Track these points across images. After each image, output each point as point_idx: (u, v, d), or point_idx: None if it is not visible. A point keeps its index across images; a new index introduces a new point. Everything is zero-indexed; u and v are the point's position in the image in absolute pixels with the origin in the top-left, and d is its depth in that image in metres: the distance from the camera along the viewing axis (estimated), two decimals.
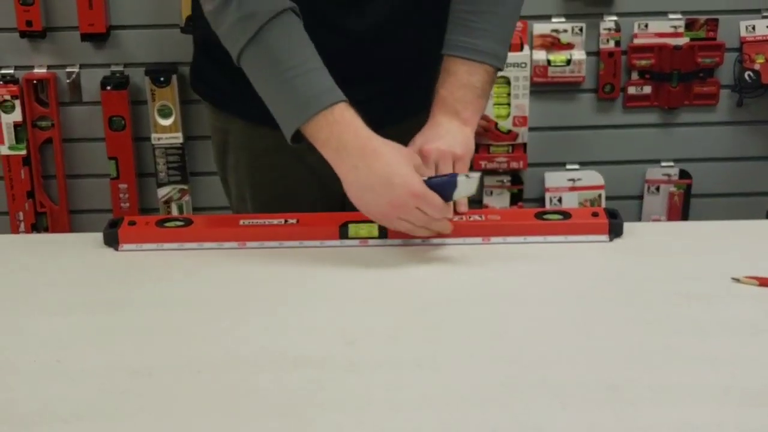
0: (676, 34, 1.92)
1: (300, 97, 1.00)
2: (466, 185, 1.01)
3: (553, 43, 1.92)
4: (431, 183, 1.01)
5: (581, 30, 1.91)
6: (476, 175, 1.02)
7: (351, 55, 1.13)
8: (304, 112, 1.00)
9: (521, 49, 1.88)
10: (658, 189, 2.01)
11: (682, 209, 2.02)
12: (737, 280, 0.95)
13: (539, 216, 1.07)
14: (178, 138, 1.91)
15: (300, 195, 1.20)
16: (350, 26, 1.11)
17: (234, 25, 1.01)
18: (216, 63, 1.18)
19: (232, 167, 1.25)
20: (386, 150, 1.01)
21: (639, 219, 2.01)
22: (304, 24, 1.06)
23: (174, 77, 1.87)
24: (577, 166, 1.99)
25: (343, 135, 1.00)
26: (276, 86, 1.02)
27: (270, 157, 1.20)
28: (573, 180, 1.98)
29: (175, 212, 1.94)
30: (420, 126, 1.11)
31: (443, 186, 1.01)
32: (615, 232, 1.06)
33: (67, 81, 1.90)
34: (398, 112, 1.18)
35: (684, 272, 0.99)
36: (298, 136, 1.02)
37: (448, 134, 1.08)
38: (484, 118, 1.87)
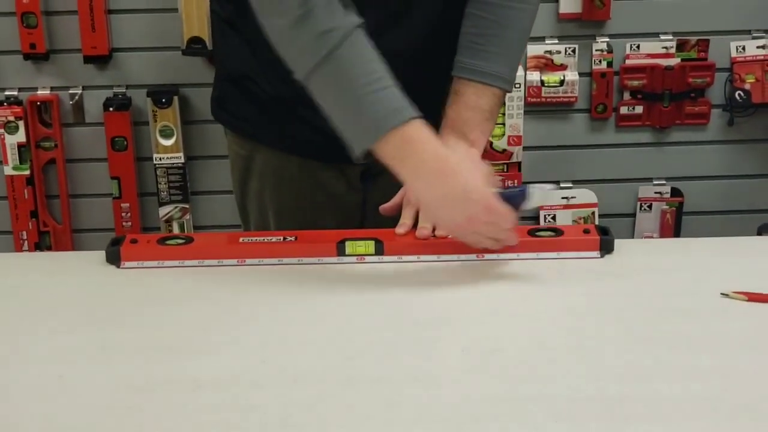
0: (667, 55, 1.95)
1: (375, 114, 0.99)
2: (540, 196, 1.03)
3: (547, 64, 1.94)
4: (503, 194, 1.02)
5: (574, 51, 1.94)
6: (549, 186, 1.04)
7: None
8: (380, 129, 0.98)
9: None
10: (650, 207, 2.03)
11: (674, 227, 2.03)
12: (726, 296, 0.96)
13: (532, 233, 1.09)
14: (179, 158, 1.93)
15: (321, 222, 1.21)
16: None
17: (309, 42, 0.98)
18: (243, 92, 1.19)
19: (254, 194, 1.25)
20: (463, 167, 1.02)
21: (632, 236, 2.03)
22: None
23: (175, 98, 1.90)
24: (570, 185, 2.01)
25: (421, 153, 0.99)
26: (350, 103, 1.00)
27: (295, 184, 1.21)
28: (567, 198, 2.00)
29: (176, 231, 1.95)
30: None
31: (514, 197, 1.02)
32: (606, 248, 1.07)
33: (70, 102, 1.93)
34: None
35: (674, 288, 1.00)
36: (367, 153, 1.01)
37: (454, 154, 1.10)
38: None
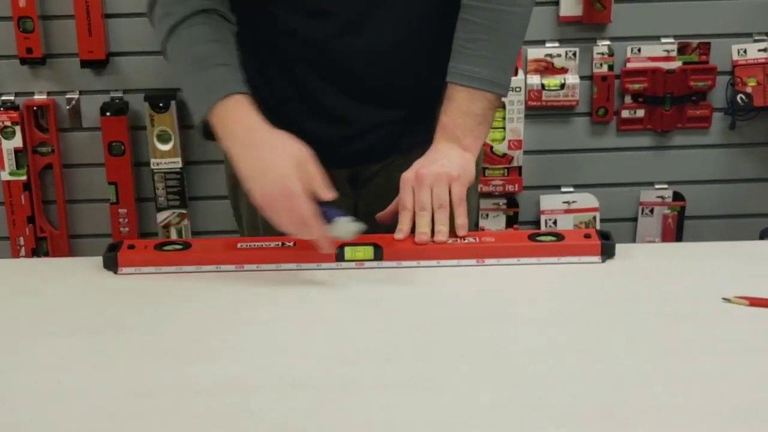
0: (668, 58, 1.95)
1: (204, 88, 1.07)
2: (343, 227, 1.01)
3: (547, 68, 1.94)
4: (321, 205, 1.00)
5: (575, 54, 1.93)
6: (359, 226, 1.02)
7: (350, 83, 1.15)
8: (207, 101, 1.05)
9: (516, 73, 1.90)
10: (652, 211, 2.02)
11: (676, 231, 2.03)
12: (728, 300, 0.96)
13: (532, 238, 1.08)
14: (177, 163, 1.92)
15: None
16: (347, 53, 1.13)
17: (157, 22, 1.10)
18: None
19: (245, 193, 1.26)
20: (270, 144, 1.03)
21: (634, 241, 2.02)
22: (301, 58, 1.08)
23: (173, 103, 1.89)
24: (571, 189, 2.00)
25: (233, 124, 1.05)
26: (187, 79, 1.09)
27: None
28: (568, 203, 1.99)
29: (174, 236, 1.95)
30: None
31: (325, 214, 1.01)
32: (607, 253, 1.07)
33: (67, 107, 1.92)
34: (405, 143, 1.19)
35: (675, 293, 0.99)
36: (210, 132, 1.07)
37: (445, 158, 1.10)
38: None
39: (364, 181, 1.24)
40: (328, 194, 1.01)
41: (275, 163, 1.01)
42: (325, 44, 1.12)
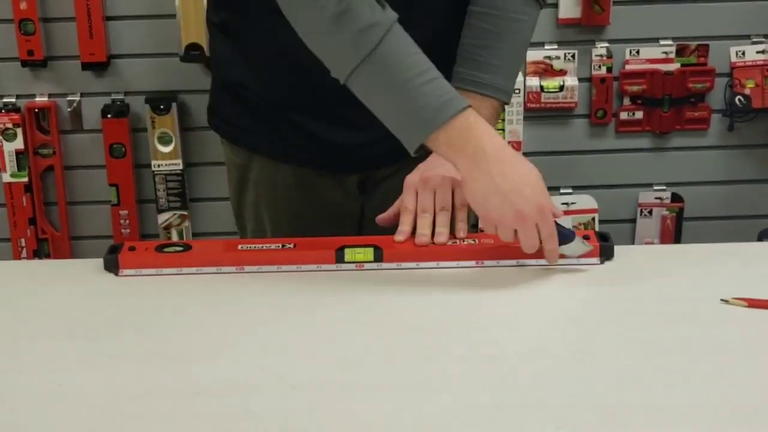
0: (667, 60, 1.95)
1: (428, 107, 0.97)
2: (576, 246, 1.04)
3: (546, 70, 1.95)
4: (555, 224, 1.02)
5: (573, 57, 1.94)
6: (588, 247, 1.04)
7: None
8: (435, 120, 0.97)
9: None
10: (650, 212, 2.03)
11: (674, 232, 2.03)
12: (726, 302, 0.96)
13: None
14: (177, 164, 1.93)
15: (319, 231, 1.21)
16: None
17: (350, 40, 0.96)
18: (237, 100, 1.19)
19: (251, 203, 1.25)
20: (522, 160, 1.01)
21: (632, 242, 2.03)
22: (316, 64, 1.08)
23: (174, 105, 1.90)
24: (570, 190, 2.01)
25: (481, 139, 0.98)
26: (400, 99, 0.99)
27: (291, 194, 1.21)
28: (567, 204, 2.00)
29: (175, 238, 1.95)
30: None
31: (561, 233, 1.02)
32: (606, 255, 1.07)
33: (68, 109, 1.93)
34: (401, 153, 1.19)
35: (674, 294, 1.00)
36: (421, 147, 1.00)
37: (449, 163, 1.10)
38: None
39: (373, 185, 1.24)
40: (559, 213, 1.02)
41: (530, 179, 0.99)
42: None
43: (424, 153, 1.02)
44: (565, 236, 1.03)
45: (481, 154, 0.98)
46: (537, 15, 1.14)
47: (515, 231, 1.00)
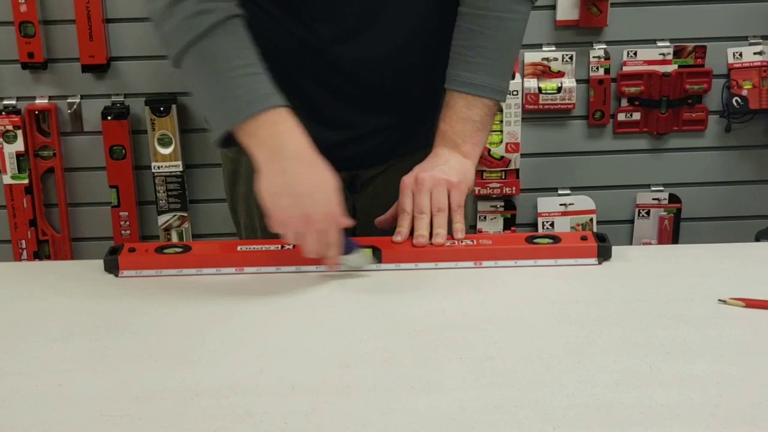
0: (664, 62, 1.96)
1: (243, 97, 1.00)
2: (359, 258, 1.04)
3: (544, 71, 1.95)
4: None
5: (571, 58, 1.94)
6: (368, 259, 1.05)
7: (349, 88, 1.15)
8: (248, 109, 0.99)
9: (513, 77, 1.91)
10: (648, 213, 2.03)
11: (672, 233, 2.04)
12: (724, 302, 0.97)
13: (529, 240, 1.09)
14: (177, 166, 1.93)
15: None
16: (346, 58, 1.14)
17: (183, 21, 1.00)
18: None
19: (242, 196, 1.26)
20: (323, 166, 1.01)
21: (630, 243, 2.03)
22: (300, 63, 1.07)
23: (173, 107, 1.90)
24: (568, 191, 2.01)
25: (284, 137, 1.00)
26: (217, 85, 1.01)
27: None
28: (565, 205, 2.00)
29: (175, 239, 1.96)
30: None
31: (345, 243, 1.03)
32: (604, 255, 1.08)
33: (69, 111, 1.93)
34: (402, 149, 1.20)
35: (671, 294, 1.00)
36: (227, 140, 1.01)
37: (446, 164, 1.11)
38: None
39: (362, 185, 1.25)
40: (349, 222, 1.03)
41: (326, 185, 1.00)
42: (324, 50, 1.13)
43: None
44: (348, 247, 1.04)
45: (281, 152, 0.99)
46: (527, 12, 1.14)
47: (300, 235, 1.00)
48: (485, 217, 2.00)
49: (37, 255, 1.97)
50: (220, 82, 1.01)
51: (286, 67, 1.16)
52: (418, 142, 1.17)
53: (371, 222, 1.17)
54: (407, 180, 1.10)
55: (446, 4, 1.13)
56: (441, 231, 1.09)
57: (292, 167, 1.00)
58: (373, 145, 1.19)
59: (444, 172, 1.09)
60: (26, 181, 1.93)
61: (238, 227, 1.32)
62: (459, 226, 1.10)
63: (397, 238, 1.09)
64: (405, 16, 1.13)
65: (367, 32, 1.12)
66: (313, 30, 1.12)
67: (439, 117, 1.13)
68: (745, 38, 1.96)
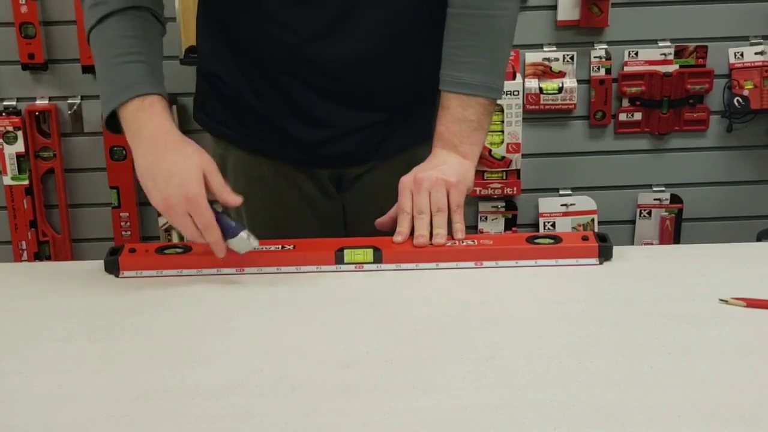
0: (665, 62, 1.96)
1: (118, 83, 1.07)
2: (241, 242, 1.03)
3: (545, 72, 1.95)
4: (220, 217, 1.02)
5: (572, 58, 1.94)
6: (255, 243, 1.04)
7: (330, 86, 1.15)
8: (119, 96, 1.06)
9: (514, 77, 1.91)
10: (650, 213, 2.03)
11: (674, 233, 2.04)
12: (725, 302, 0.97)
13: (530, 240, 1.09)
14: None
15: (296, 221, 1.23)
16: (323, 56, 1.14)
17: (88, 9, 1.10)
18: (217, 95, 1.21)
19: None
20: (180, 149, 1.04)
21: (632, 243, 2.03)
22: (280, 59, 1.09)
23: (173, 108, 1.90)
24: (569, 192, 2.01)
25: (144, 122, 1.05)
26: (103, 70, 1.09)
27: (266, 184, 1.22)
28: (566, 205, 2.00)
29: (175, 239, 1.96)
30: (414, 161, 1.13)
31: (226, 226, 1.02)
32: (605, 255, 1.07)
33: (69, 112, 1.93)
34: (386, 147, 1.20)
35: (672, 294, 1.00)
36: (116, 125, 1.08)
37: (444, 164, 1.11)
38: None
39: (348, 183, 1.25)
40: (236, 200, 1.04)
41: (180, 168, 1.02)
42: (304, 46, 1.13)
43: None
44: (229, 230, 1.02)
45: (139, 136, 1.05)
46: (516, 9, 1.14)
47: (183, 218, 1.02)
48: (486, 218, 2.00)
49: (38, 256, 1.98)
50: (104, 68, 1.09)
51: (266, 65, 1.16)
52: (402, 142, 1.18)
53: (361, 221, 1.17)
54: (406, 180, 1.11)
55: (425, 1, 1.13)
56: (441, 231, 1.09)
57: (151, 151, 1.04)
58: (355, 144, 1.18)
59: (443, 172, 1.10)
60: (26, 182, 1.94)
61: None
62: (459, 227, 1.10)
63: (398, 238, 1.09)
64: (380, 13, 1.12)
65: (348, 28, 1.12)
66: (289, 28, 1.12)
67: (436, 118, 1.13)
68: (747, 38, 1.96)
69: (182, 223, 1.02)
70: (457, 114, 1.11)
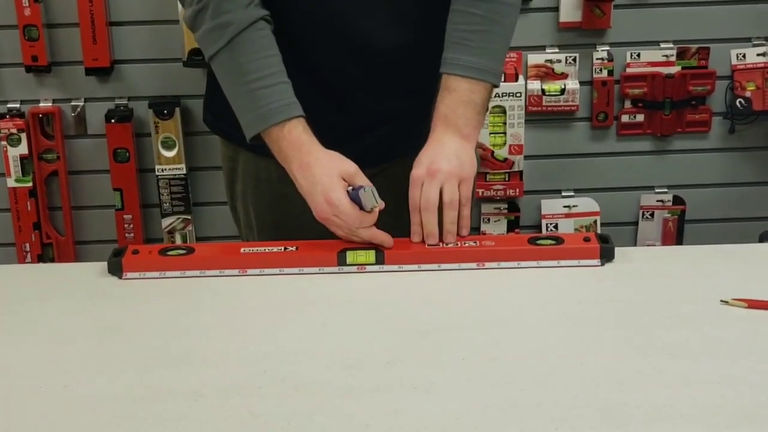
0: (668, 63, 1.95)
1: (259, 110, 1.10)
2: (367, 197, 1.07)
3: (548, 73, 1.95)
4: (351, 194, 1.07)
5: (575, 60, 1.94)
6: (378, 201, 1.08)
7: (343, 96, 1.16)
8: (261, 124, 1.10)
9: (516, 79, 1.91)
10: (652, 215, 2.03)
11: (676, 235, 2.03)
12: (726, 303, 0.97)
13: (532, 241, 1.09)
14: (181, 169, 1.94)
15: (302, 223, 1.22)
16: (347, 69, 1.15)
17: (209, 32, 1.10)
18: (223, 93, 1.21)
19: (240, 195, 1.28)
20: (317, 163, 1.09)
21: (634, 245, 2.03)
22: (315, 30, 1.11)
23: (177, 110, 1.91)
24: (572, 193, 2.01)
25: (288, 150, 1.10)
26: (241, 95, 1.11)
27: (273, 186, 1.23)
28: (569, 207, 2.00)
29: (178, 242, 1.96)
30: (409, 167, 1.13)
31: (356, 198, 1.07)
32: (606, 256, 1.08)
33: (72, 114, 1.94)
34: (394, 151, 1.20)
35: (674, 295, 1.00)
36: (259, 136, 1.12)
37: (453, 154, 1.10)
38: (481, 146, 1.90)
39: None
40: (366, 183, 1.08)
41: (321, 179, 1.07)
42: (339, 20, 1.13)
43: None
44: (356, 199, 1.06)
45: (288, 163, 1.11)
46: (519, 1, 1.16)
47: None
48: (489, 220, 2.00)
49: (41, 258, 1.98)
50: (243, 92, 1.11)
51: (299, 42, 1.16)
52: (410, 145, 1.18)
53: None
54: (418, 173, 1.10)
55: (436, 16, 1.14)
56: (452, 228, 1.09)
57: (299, 175, 1.10)
58: (361, 149, 1.18)
59: (454, 165, 1.09)
60: (30, 185, 1.94)
61: (238, 225, 1.33)
62: (466, 222, 1.10)
63: (415, 238, 1.09)
64: (394, 28, 1.14)
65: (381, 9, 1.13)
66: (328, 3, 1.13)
67: (437, 100, 1.13)
68: (749, 39, 1.96)
69: (337, 226, 1.08)
70: (464, 97, 1.11)
